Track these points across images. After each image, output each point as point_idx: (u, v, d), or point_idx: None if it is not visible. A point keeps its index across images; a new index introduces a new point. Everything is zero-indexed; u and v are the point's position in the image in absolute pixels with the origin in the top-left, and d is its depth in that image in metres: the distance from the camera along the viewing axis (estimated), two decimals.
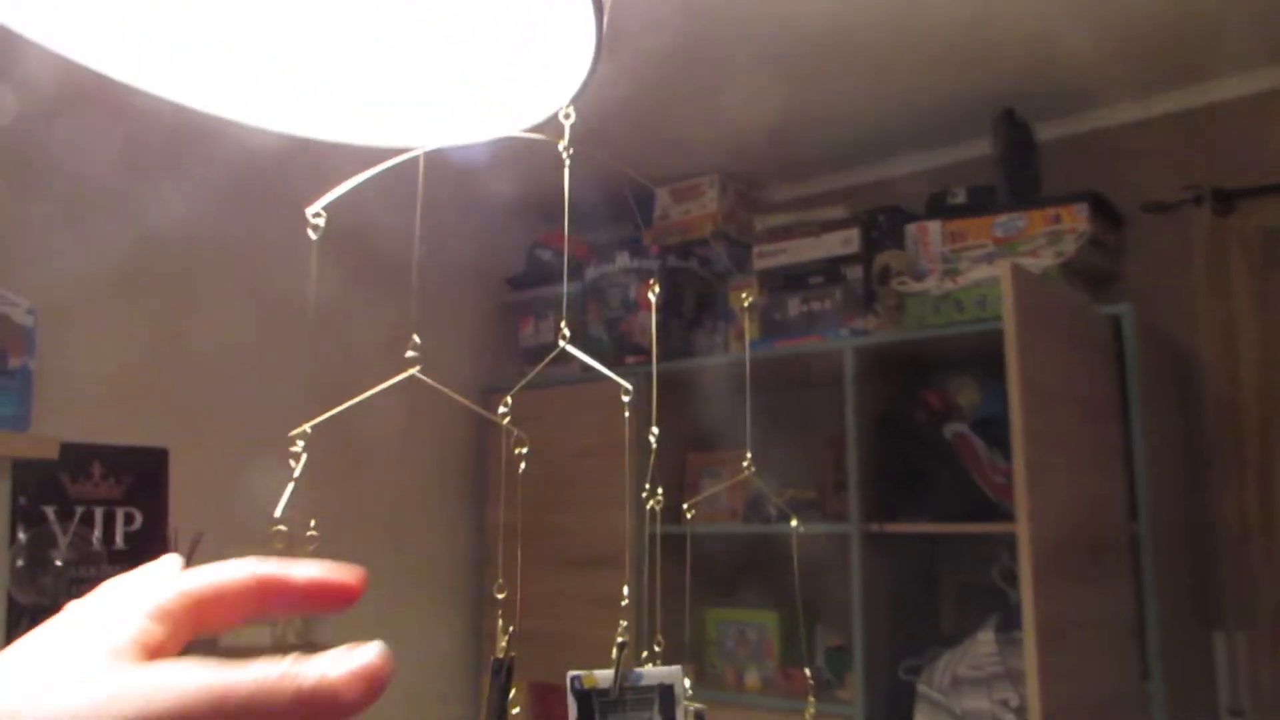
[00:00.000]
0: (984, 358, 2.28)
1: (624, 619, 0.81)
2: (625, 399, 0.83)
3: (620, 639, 0.69)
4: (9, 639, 2.09)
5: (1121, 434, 1.94)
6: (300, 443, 0.56)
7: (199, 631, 0.39)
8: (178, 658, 0.35)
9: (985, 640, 2.07)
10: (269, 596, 0.40)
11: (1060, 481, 1.74)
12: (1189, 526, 2.19)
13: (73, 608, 0.37)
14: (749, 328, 2.58)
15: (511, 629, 0.64)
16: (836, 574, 2.60)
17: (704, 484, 2.63)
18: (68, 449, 2.14)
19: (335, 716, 0.34)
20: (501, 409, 0.69)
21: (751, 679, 2.47)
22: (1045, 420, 1.71)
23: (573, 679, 0.69)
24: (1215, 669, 2.19)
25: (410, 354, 0.61)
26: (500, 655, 0.59)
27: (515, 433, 0.67)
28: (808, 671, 1.13)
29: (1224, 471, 2.22)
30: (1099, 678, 1.79)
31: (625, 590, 0.94)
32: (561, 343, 0.71)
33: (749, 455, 0.96)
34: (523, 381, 0.81)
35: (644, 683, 0.70)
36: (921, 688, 2.10)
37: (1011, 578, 2.13)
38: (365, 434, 2.78)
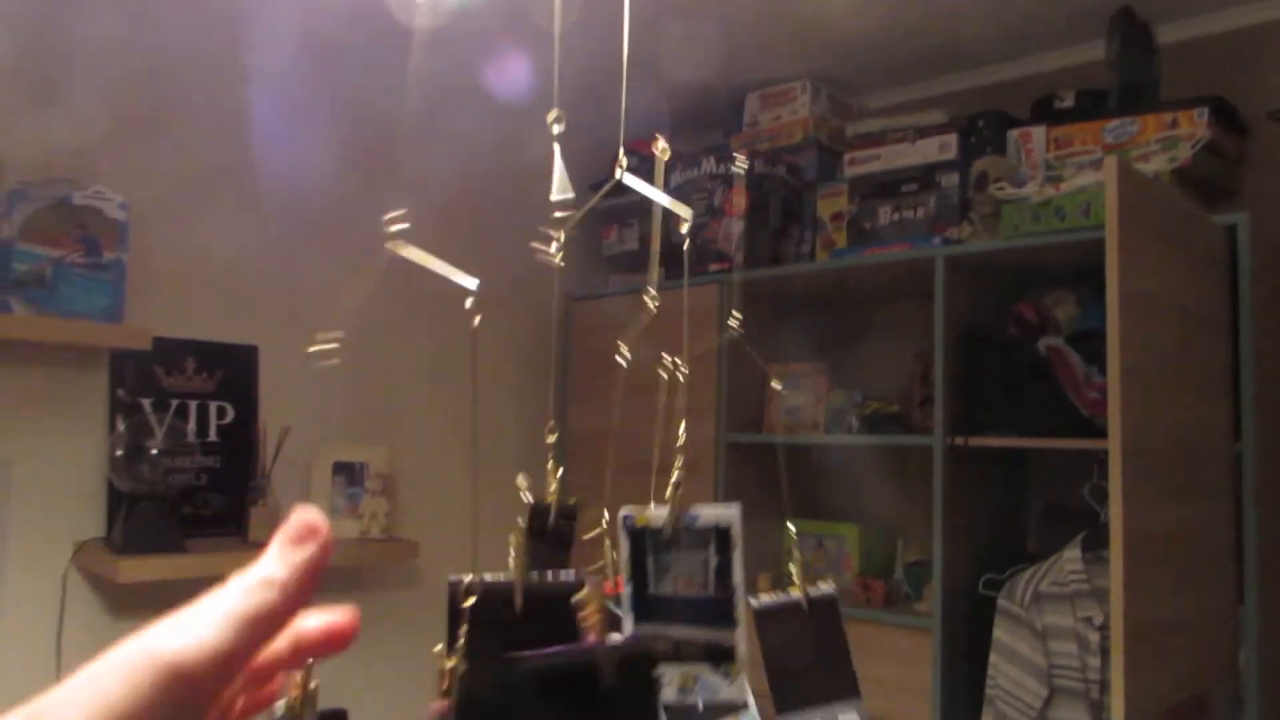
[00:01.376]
0: (1085, 270, 2.19)
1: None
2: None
3: (676, 476, 0.67)
4: (109, 525, 2.19)
5: (1229, 350, 1.84)
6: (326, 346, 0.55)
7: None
8: None
9: (1071, 557, 2.01)
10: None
11: (1159, 395, 1.66)
12: None
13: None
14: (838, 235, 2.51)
15: (561, 470, 0.62)
16: (920, 489, 2.56)
17: (785, 394, 2.59)
18: (161, 343, 2.20)
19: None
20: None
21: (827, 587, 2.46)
22: (1145, 330, 1.63)
23: (625, 517, 0.67)
24: None
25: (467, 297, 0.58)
26: (547, 500, 0.57)
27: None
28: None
29: None
30: (1189, 598, 1.73)
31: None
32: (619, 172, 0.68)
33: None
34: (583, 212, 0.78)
35: (700, 524, 0.68)
36: (1002, 602, 2.06)
37: (1102, 496, 2.06)
38: (449, 338, 2.81)
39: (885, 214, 2.43)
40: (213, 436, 2.35)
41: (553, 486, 0.60)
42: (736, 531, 0.70)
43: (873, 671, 2.26)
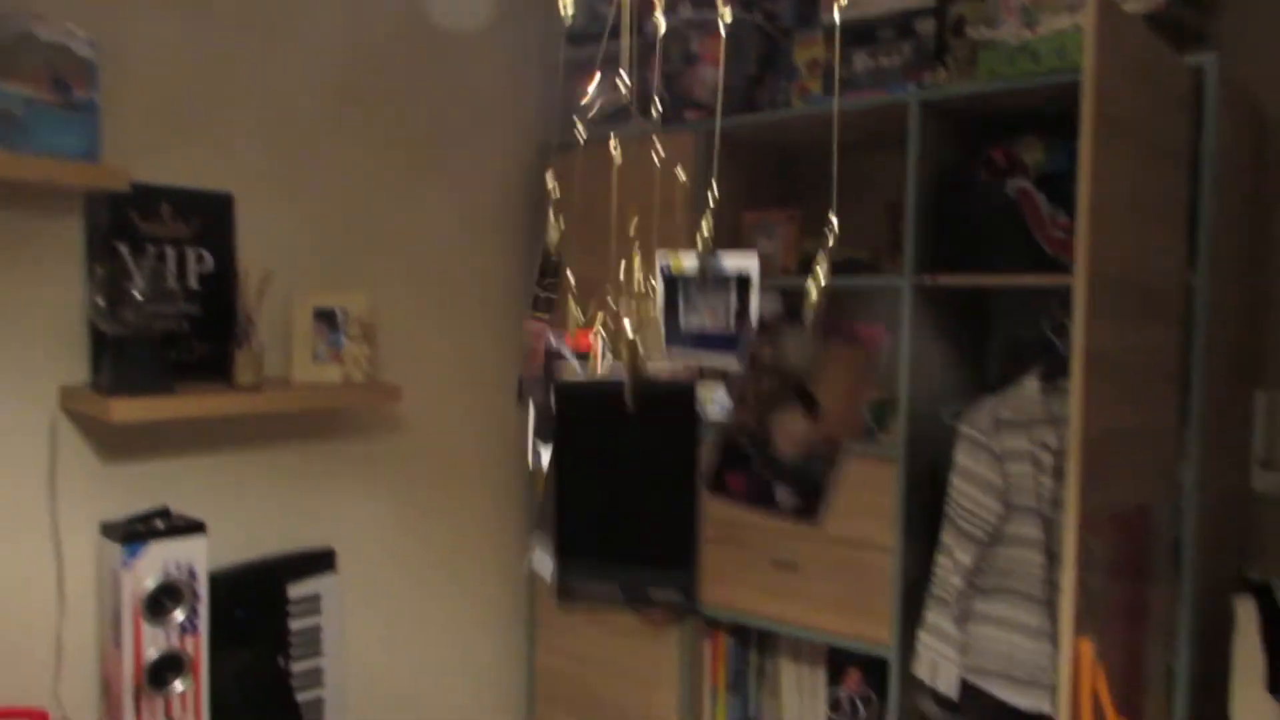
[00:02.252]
0: (1054, 115, 2.26)
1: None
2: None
3: (706, 231, 0.77)
4: (94, 370, 2.21)
5: (1189, 184, 1.94)
6: None
7: None
8: None
9: (1030, 387, 2.14)
10: None
11: (1123, 228, 1.75)
12: (1246, 286, 2.22)
13: None
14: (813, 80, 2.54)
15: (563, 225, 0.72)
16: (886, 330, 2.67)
17: (758, 242, 2.66)
18: (135, 189, 2.19)
19: None
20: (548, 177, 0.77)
21: None
22: (1114, 162, 1.71)
23: (663, 266, 0.79)
24: (1253, 424, 2.27)
25: None
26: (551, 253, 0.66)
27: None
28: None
29: None
30: (1138, 414, 1.87)
31: None
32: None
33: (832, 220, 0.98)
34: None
35: (724, 271, 0.79)
36: (963, 429, 2.19)
37: (1061, 330, 2.18)
38: (431, 187, 2.81)
39: (861, 60, 2.46)
40: (193, 284, 2.35)
41: (554, 236, 0.69)
42: (755, 277, 0.79)
43: (839, 501, 2.40)
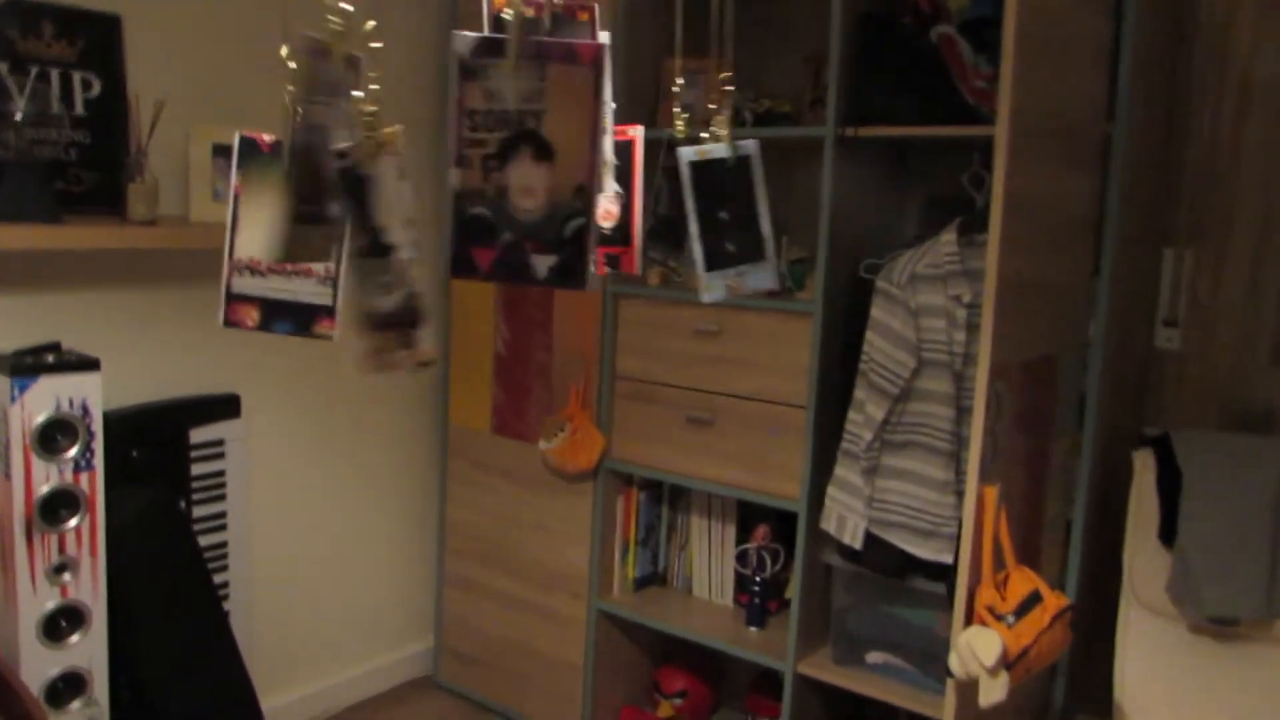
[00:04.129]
0: None
1: None
2: None
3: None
4: None
5: (1112, 31, 1.91)
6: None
7: None
8: None
9: (947, 240, 2.13)
10: None
11: (1046, 70, 1.72)
12: (1160, 140, 2.22)
13: None
14: None
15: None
16: (803, 189, 2.63)
17: (680, 90, 2.57)
18: (12, 3, 2.03)
19: None
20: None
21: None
22: (1039, 6, 1.66)
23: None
24: (1160, 282, 2.30)
25: None
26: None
27: None
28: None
29: (1203, 91, 2.21)
30: (1052, 263, 1.86)
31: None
32: None
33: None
34: None
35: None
36: (879, 283, 2.18)
37: (980, 183, 2.16)
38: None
39: None
40: (79, 110, 2.21)
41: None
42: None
43: (756, 356, 2.39)
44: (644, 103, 2.60)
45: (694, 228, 0.82)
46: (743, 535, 2.67)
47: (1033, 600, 1.68)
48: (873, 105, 2.25)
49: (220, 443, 2.44)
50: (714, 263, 0.84)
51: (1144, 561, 2.01)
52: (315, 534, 2.84)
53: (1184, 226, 2.27)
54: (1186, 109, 2.24)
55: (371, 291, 0.48)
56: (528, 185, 0.57)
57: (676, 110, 0.89)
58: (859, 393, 2.22)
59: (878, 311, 2.18)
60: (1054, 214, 1.83)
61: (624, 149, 0.84)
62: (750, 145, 0.87)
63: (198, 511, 2.41)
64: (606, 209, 0.84)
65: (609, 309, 2.62)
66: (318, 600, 2.88)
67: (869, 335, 2.19)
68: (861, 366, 2.21)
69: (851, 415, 2.24)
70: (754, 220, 0.84)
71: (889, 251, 2.32)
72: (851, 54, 2.24)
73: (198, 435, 2.39)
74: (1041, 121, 1.72)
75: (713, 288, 0.83)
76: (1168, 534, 1.98)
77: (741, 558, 2.66)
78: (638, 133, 0.81)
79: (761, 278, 0.84)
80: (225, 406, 2.46)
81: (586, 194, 0.55)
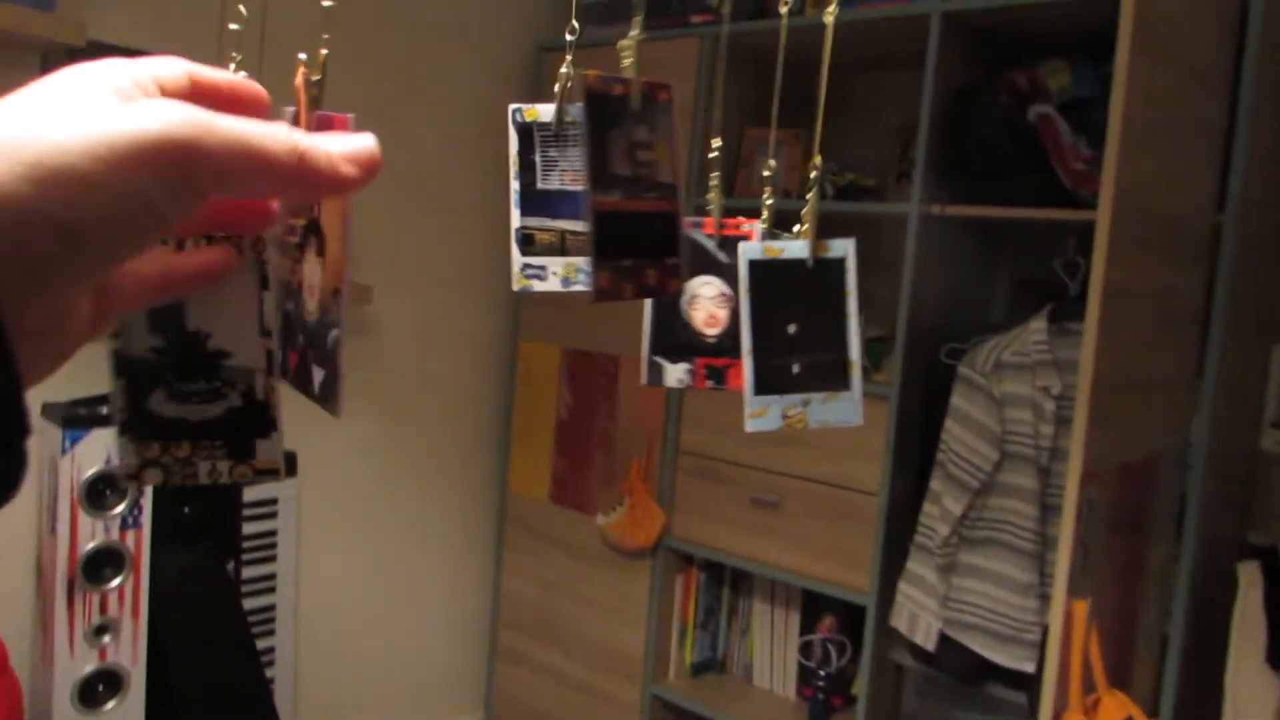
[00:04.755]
0: (1081, 38, 2.10)
1: None
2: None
3: (566, 68, 0.66)
4: None
5: (1226, 117, 1.79)
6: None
7: None
8: None
9: (1037, 328, 2.01)
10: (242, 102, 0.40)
11: (1153, 155, 1.61)
12: (1272, 230, 2.08)
13: (67, 72, 0.34)
14: None
15: None
16: (886, 266, 2.53)
17: (760, 160, 2.51)
18: (91, 45, 2.04)
19: (331, 189, 0.37)
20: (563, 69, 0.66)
21: None
22: (1148, 84, 1.56)
23: (514, 110, 0.68)
24: (1268, 380, 2.14)
25: None
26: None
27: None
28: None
29: None
30: (1153, 361, 1.74)
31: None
32: None
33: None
34: None
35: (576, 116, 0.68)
36: (962, 369, 2.06)
37: (1075, 269, 2.04)
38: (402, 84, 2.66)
39: None
40: None
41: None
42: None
43: (827, 439, 2.28)
44: (724, 172, 2.53)
45: (747, 341, 0.70)
46: (808, 624, 2.53)
47: None
48: (962, 182, 2.15)
49: (274, 501, 2.40)
50: (770, 384, 0.70)
51: (1249, 685, 1.84)
52: (366, 598, 2.77)
53: None
54: None
55: (175, 399, 0.45)
56: (310, 283, 0.50)
57: (766, 196, 0.79)
58: (935, 484, 2.09)
59: (958, 399, 2.06)
60: (1156, 307, 1.71)
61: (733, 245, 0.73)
62: (844, 245, 0.74)
63: (247, 573, 2.36)
64: (712, 313, 0.75)
65: None
66: (366, 667, 2.80)
67: (948, 424, 2.07)
68: (939, 457, 2.09)
69: (927, 507, 2.11)
70: (837, 338, 0.71)
71: (973, 336, 2.20)
72: (942, 130, 2.15)
73: (251, 493, 2.35)
74: (1146, 206, 1.60)
75: (763, 416, 0.69)
76: (1276, 656, 1.81)
77: (805, 649, 2.52)
78: (754, 228, 0.70)
79: (839, 411, 0.70)
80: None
81: (339, 299, 0.48)
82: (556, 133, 0.68)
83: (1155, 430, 1.79)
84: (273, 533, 2.40)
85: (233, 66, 0.52)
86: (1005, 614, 2.00)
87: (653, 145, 0.61)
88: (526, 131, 0.68)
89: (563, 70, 0.66)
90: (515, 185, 0.67)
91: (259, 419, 0.49)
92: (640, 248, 0.60)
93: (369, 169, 0.38)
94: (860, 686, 2.27)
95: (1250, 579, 1.87)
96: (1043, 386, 1.98)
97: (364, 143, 0.38)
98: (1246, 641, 1.84)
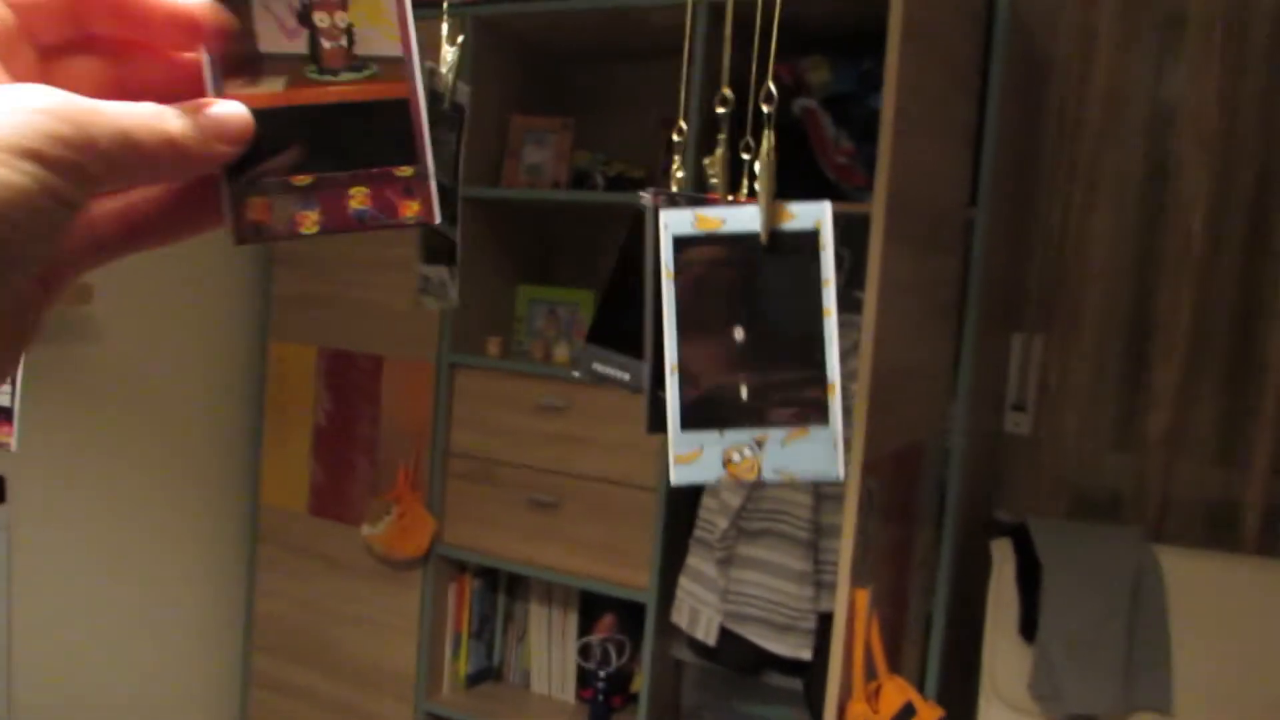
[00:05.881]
0: (839, 33, 2.14)
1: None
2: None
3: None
4: None
5: (975, 110, 1.87)
6: None
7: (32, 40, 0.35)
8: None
9: None
10: (81, 5, 0.35)
11: (919, 149, 1.65)
12: (1013, 223, 2.21)
13: None
14: None
15: None
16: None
17: (527, 150, 2.42)
18: None
19: (202, 170, 0.35)
20: None
21: (560, 353, 2.38)
22: (915, 80, 1.60)
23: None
24: (1009, 366, 2.28)
25: None
26: None
27: None
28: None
29: (1053, 175, 2.22)
30: (919, 349, 1.79)
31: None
32: None
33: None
34: None
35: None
36: None
37: (839, 262, 2.08)
38: None
39: None
40: None
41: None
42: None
43: (603, 434, 2.24)
44: (487, 156, 2.43)
45: (671, 352, 0.49)
46: (586, 626, 2.48)
47: (907, 714, 1.57)
48: (730, 177, 2.15)
49: None
50: (705, 414, 0.49)
51: (1005, 658, 1.94)
52: (98, 632, 2.47)
53: (1031, 310, 2.26)
54: (1034, 189, 2.25)
55: None
56: None
57: (676, 163, 0.66)
58: None
59: None
60: (920, 297, 1.76)
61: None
62: (815, 212, 0.56)
63: None
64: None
65: (443, 380, 2.40)
66: (102, 705, 2.50)
67: None
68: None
69: (706, 501, 2.10)
70: (805, 348, 0.49)
71: None
72: (708, 124, 2.14)
73: None
74: (914, 203, 1.65)
75: (695, 461, 0.49)
76: (1029, 629, 1.92)
77: (584, 650, 2.47)
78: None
79: (809, 458, 0.48)
80: None
81: None
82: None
83: (920, 418, 1.85)
84: None
85: None
86: (783, 603, 2.02)
87: (346, 3, 0.39)
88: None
89: None
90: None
91: None
92: (333, 154, 0.39)
93: (241, 142, 0.36)
94: (640, 684, 2.24)
95: (1004, 555, 1.98)
96: None
97: (233, 111, 0.36)
98: (1000, 616, 1.95)
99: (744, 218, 0.52)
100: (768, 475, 0.49)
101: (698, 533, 2.10)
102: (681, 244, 0.49)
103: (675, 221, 0.51)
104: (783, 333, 0.50)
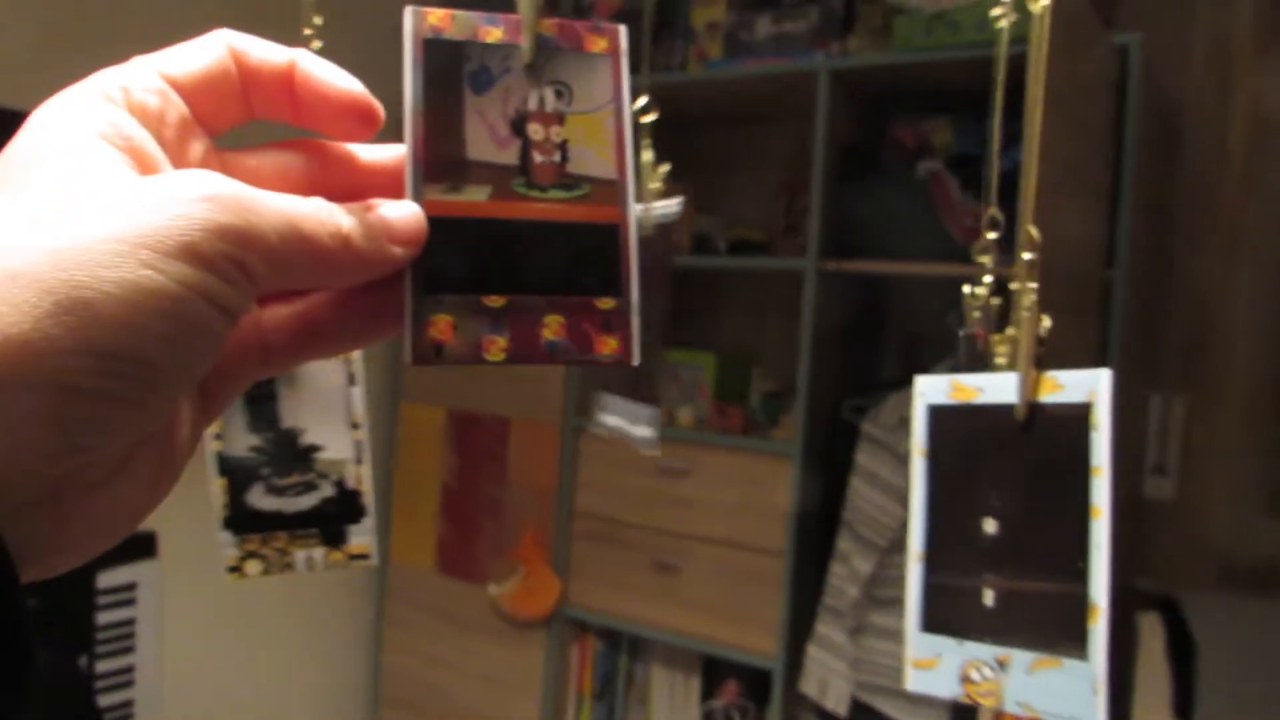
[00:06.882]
0: (963, 93, 2.13)
1: None
2: None
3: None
4: None
5: (1111, 176, 1.83)
6: None
7: (194, 134, 0.31)
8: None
9: None
10: (251, 85, 0.32)
11: (1052, 212, 1.62)
12: (1150, 283, 2.14)
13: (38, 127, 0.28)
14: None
15: None
16: (777, 317, 2.51)
17: None
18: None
19: (372, 275, 0.31)
20: None
21: (684, 416, 2.40)
22: (1045, 141, 1.57)
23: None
24: (1146, 429, 2.20)
25: None
26: None
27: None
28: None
29: (1193, 233, 2.15)
30: None
31: None
32: None
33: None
34: None
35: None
36: (866, 427, 2.04)
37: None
38: None
39: (764, 25, 2.29)
40: None
41: None
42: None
43: (726, 496, 2.23)
44: None
45: (918, 539, 0.47)
46: (709, 691, 2.46)
47: None
48: (854, 239, 2.14)
49: (132, 587, 2.18)
50: (944, 617, 0.47)
51: None
52: (236, 685, 2.55)
53: (1169, 371, 2.18)
54: (1172, 246, 2.18)
55: (272, 493, 0.48)
56: None
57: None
58: (843, 544, 2.06)
59: (864, 457, 2.04)
60: (1058, 360, 1.72)
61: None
62: (1090, 380, 0.50)
63: (101, 666, 2.13)
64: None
65: (568, 441, 2.44)
66: None
67: (854, 482, 2.05)
68: (845, 516, 2.06)
69: (835, 568, 2.07)
70: (1065, 552, 0.47)
71: (868, 390, 2.19)
72: (832, 187, 2.14)
73: (106, 579, 2.13)
74: (1049, 266, 1.61)
75: (932, 669, 0.47)
76: (1184, 707, 1.83)
77: (708, 716, 2.44)
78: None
79: (1058, 695, 0.44)
80: (139, 546, 2.21)
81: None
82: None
83: None
84: (130, 621, 2.18)
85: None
86: None
87: (563, 118, 0.37)
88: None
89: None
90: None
91: (350, 507, 0.44)
92: (529, 278, 0.36)
93: (416, 245, 0.32)
94: None
95: (1152, 630, 1.90)
96: None
97: (409, 213, 0.32)
98: (1151, 693, 1.86)
99: (1004, 387, 0.46)
100: (1010, 707, 0.42)
101: (827, 600, 2.07)
102: (937, 414, 0.43)
103: (931, 390, 0.46)
104: (1039, 532, 0.42)
